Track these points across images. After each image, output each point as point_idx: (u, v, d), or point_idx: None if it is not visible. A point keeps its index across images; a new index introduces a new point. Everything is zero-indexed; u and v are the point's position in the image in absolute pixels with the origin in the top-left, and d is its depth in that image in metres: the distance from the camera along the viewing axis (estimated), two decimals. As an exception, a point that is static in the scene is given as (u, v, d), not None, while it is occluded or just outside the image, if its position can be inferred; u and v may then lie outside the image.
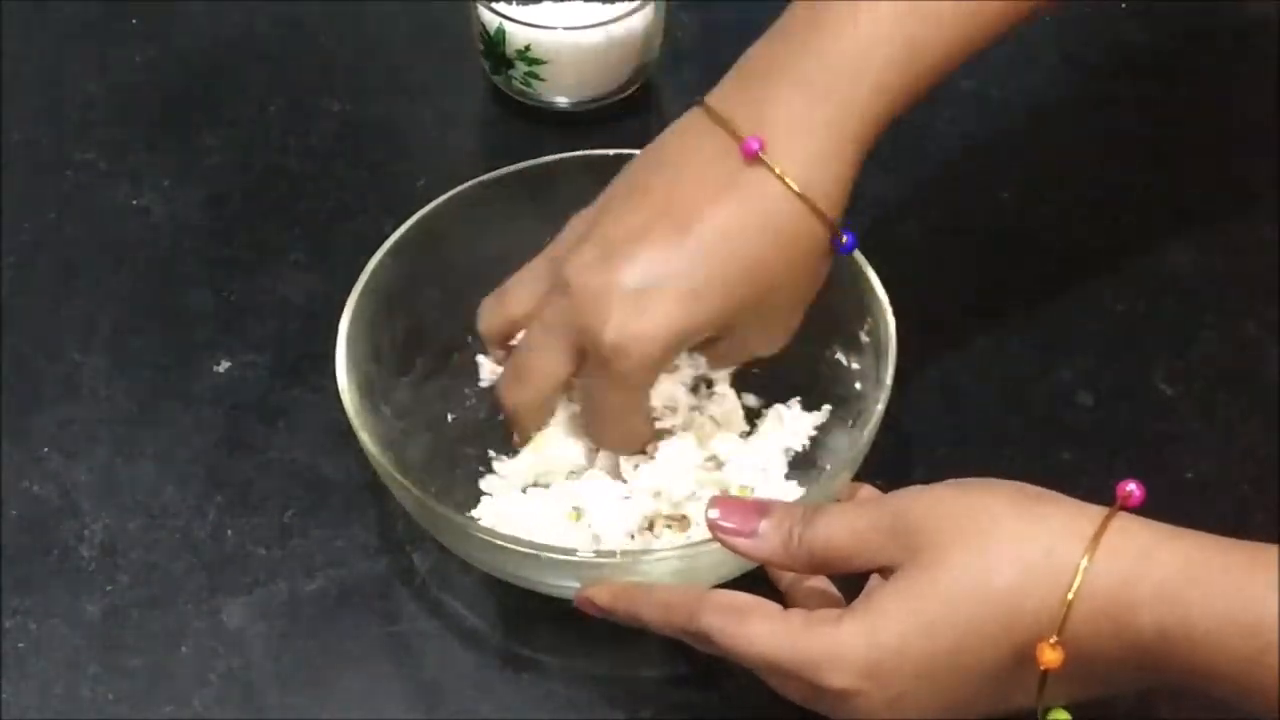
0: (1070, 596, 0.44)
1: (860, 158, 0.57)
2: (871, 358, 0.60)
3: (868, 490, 0.58)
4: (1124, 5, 0.87)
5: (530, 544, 0.54)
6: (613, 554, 0.56)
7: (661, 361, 0.56)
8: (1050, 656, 0.44)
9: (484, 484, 0.63)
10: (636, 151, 0.61)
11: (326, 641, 0.60)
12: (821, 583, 0.54)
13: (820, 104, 0.55)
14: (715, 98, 0.58)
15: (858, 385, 0.62)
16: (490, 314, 0.61)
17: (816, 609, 0.49)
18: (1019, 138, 0.80)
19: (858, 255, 0.61)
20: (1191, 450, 0.66)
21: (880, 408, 0.57)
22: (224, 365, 0.69)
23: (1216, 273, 0.73)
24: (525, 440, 0.62)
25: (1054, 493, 0.48)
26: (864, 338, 0.61)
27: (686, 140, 0.58)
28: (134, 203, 0.77)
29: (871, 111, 0.56)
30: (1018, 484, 0.48)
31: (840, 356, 0.63)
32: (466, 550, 0.58)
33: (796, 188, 0.55)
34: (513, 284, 0.61)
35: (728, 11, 0.84)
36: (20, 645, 0.59)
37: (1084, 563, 0.44)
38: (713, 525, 0.51)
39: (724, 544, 0.51)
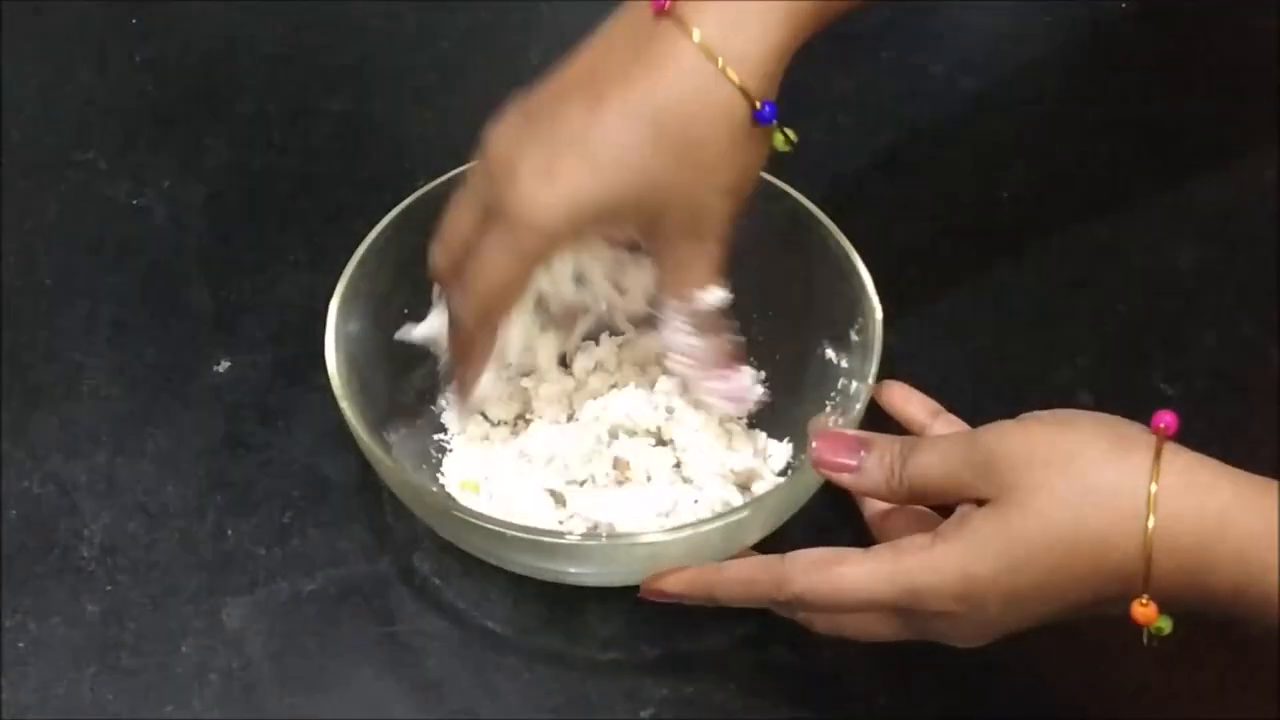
0: (1151, 555, 0.46)
1: (795, 33, 0.54)
2: (859, 356, 0.61)
3: (947, 421, 0.60)
4: (1124, 5, 0.87)
5: (528, 529, 0.55)
6: (632, 537, 0.57)
7: (562, 234, 0.54)
8: (1143, 613, 0.47)
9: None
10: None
11: (326, 641, 0.60)
12: (916, 508, 0.56)
13: None
14: None
15: (842, 382, 0.62)
16: (437, 247, 0.58)
17: (907, 534, 0.51)
18: (1019, 138, 0.80)
19: (851, 254, 0.61)
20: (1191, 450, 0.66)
21: (860, 406, 0.57)
22: (224, 365, 0.69)
23: (1216, 273, 0.73)
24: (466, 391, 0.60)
25: (1140, 429, 0.49)
26: (854, 336, 0.61)
27: (619, 15, 0.56)
28: (134, 203, 0.77)
29: None
30: (1106, 420, 0.50)
31: (830, 354, 0.63)
32: (461, 536, 0.57)
33: (707, 46, 0.53)
34: (451, 209, 0.58)
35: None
36: (20, 645, 0.59)
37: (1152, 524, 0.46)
38: (817, 459, 0.53)
39: (829, 478, 0.53)
